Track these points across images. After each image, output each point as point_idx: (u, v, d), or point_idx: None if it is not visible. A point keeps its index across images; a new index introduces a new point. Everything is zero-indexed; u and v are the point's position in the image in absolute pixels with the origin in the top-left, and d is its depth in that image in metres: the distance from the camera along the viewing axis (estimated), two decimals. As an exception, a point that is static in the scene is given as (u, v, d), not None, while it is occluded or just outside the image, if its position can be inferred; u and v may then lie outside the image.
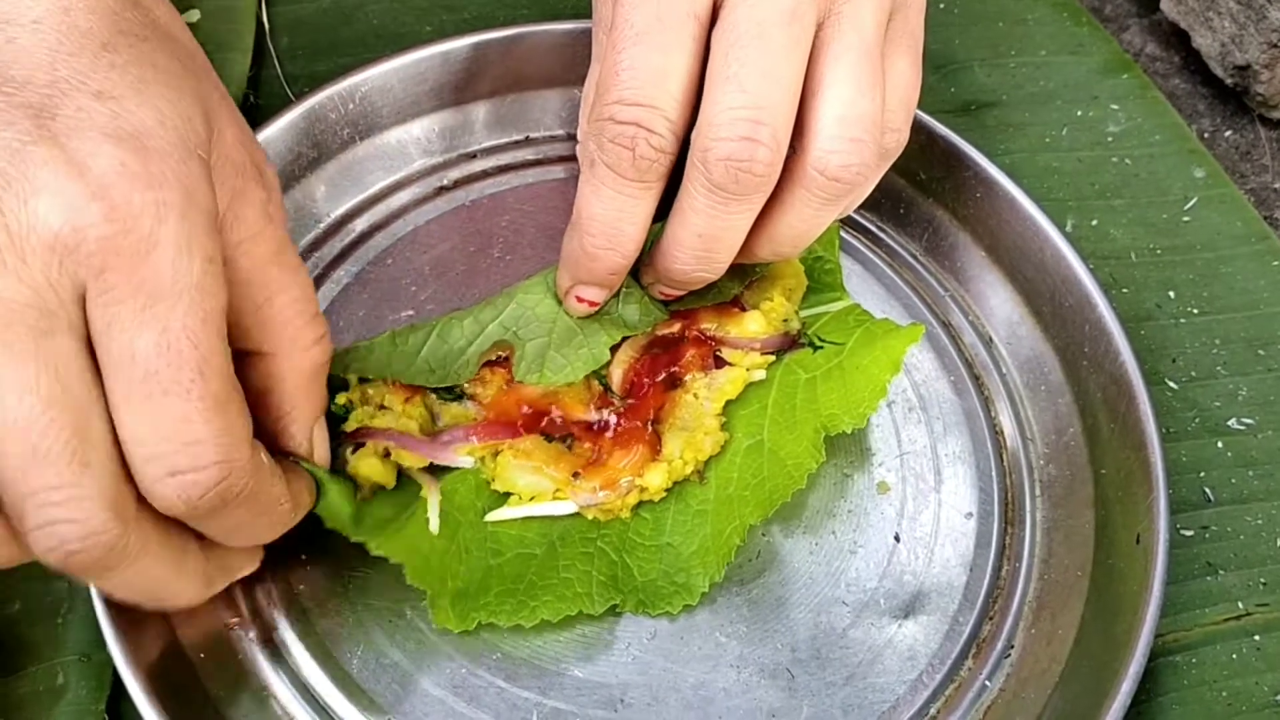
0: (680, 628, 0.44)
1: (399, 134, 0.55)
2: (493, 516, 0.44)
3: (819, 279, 0.51)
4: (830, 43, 0.38)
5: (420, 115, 0.56)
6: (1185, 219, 0.60)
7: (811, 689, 0.43)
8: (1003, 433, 0.50)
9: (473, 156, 0.57)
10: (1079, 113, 0.64)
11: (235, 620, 0.43)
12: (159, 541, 0.33)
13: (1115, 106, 0.64)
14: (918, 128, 0.53)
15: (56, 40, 0.30)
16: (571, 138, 0.58)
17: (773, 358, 0.48)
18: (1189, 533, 0.50)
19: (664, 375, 0.46)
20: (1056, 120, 0.63)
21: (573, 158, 0.57)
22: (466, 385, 0.45)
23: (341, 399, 0.44)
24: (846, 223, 0.56)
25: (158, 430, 0.30)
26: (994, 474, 0.49)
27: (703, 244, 0.40)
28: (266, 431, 0.38)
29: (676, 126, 0.38)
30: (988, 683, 0.44)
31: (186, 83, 0.33)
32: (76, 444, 0.30)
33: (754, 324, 0.47)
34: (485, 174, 0.56)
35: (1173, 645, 0.47)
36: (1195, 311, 0.57)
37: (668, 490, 0.45)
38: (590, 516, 0.44)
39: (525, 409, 0.44)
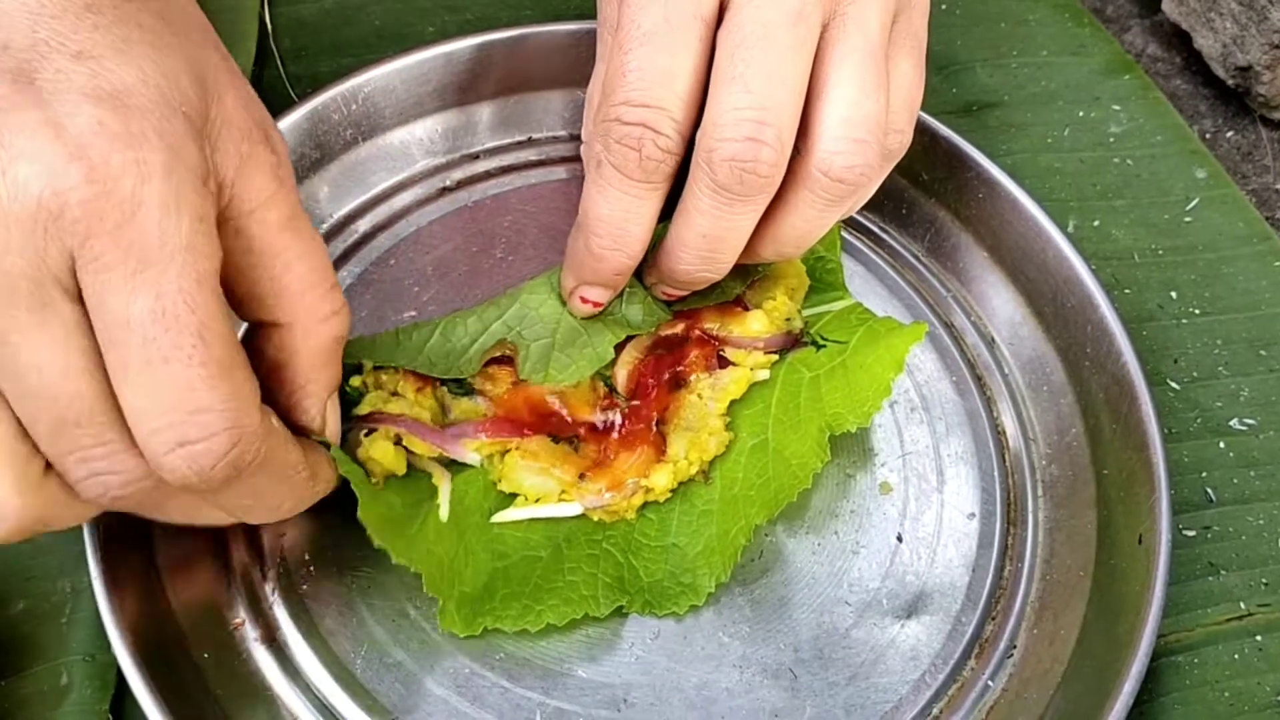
0: (683, 628, 0.44)
1: (402, 135, 0.55)
2: (499, 517, 0.44)
3: (821, 278, 0.51)
4: (835, 44, 0.38)
5: (423, 116, 0.56)
6: (1187, 220, 0.60)
7: (814, 689, 0.43)
8: (1005, 433, 0.50)
9: (476, 157, 0.57)
10: (1081, 113, 0.64)
11: (239, 620, 0.43)
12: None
13: (1117, 107, 0.64)
14: (920, 128, 0.52)
15: (38, 3, 0.30)
16: (575, 138, 0.58)
17: (776, 357, 0.48)
18: (1191, 533, 0.50)
19: (668, 376, 0.46)
20: (1058, 121, 0.63)
21: (576, 158, 0.57)
22: (476, 381, 0.45)
23: (356, 381, 0.44)
24: (848, 223, 0.56)
25: (161, 400, 0.29)
26: (996, 474, 0.49)
27: (707, 244, 0.40)
28: (279, 406, 0.37)
29: (682, 127, 0.38)
30: (990, 683, 0.44)
31: (174, 43, 0.32)
32: (104, 405, 0.30)
33: (757, 323, 0.47)
34: (488, 175, 0.56)
35: (1175, 645, 0.47)
36: (1197, 312, 0.57)
37: (673, 491, 0.45)
38: (596, 518, 0.44)
39: (532, 409, 0.45)
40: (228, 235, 0.33)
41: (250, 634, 0.43)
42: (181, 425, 0.30)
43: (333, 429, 0.39)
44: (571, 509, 0.44)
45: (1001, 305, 0.54)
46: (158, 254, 0.29)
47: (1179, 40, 0.71)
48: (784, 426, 0.46)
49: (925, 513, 0.48)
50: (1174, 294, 0.57)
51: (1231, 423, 0.53)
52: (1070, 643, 0.44)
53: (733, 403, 0.46)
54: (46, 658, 0.43)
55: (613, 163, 0.38)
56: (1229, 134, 0.68)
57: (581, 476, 0.44)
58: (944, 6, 0.68)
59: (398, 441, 0.43)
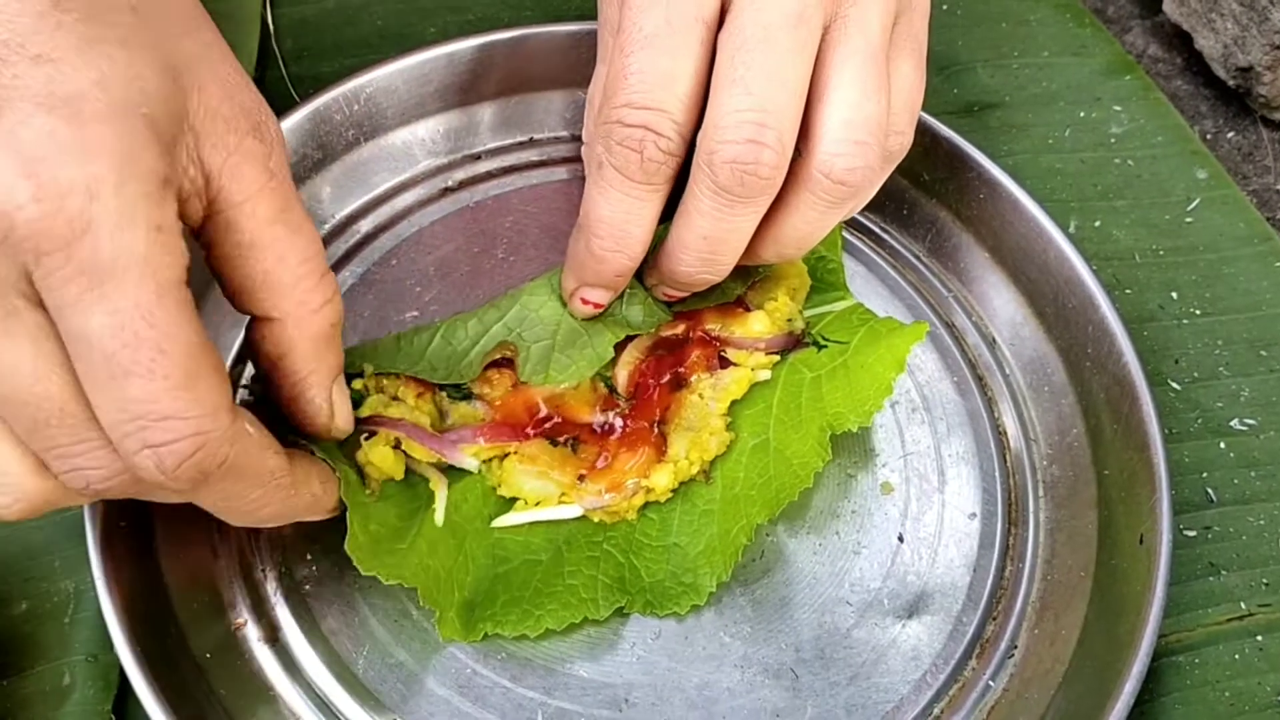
0: (685, 628, 0.44)
1: (404, 135, 0.56)
2: (500, 522, 0.44)
3: (822, 278, 0.51)
4: (836, 46, 0.38)
5: (425, 116, 0.56)
6: (1188, 220, 0.60)
7: (815, 689, 0.43)
8: (1006, 433, 0.51)
9: (477, 158, 0.57)
10: (1082, 114, 0.64)
11: (241, 620, 0.43)
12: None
13: (1118, 108, 0.64)
14: (921, 129, 0.53)
15: (3, 3, 0.29)
16: (576, 139, 0.58)
17: (777, 357, 0.48)
18: (1192, 533, 0.50)
19: (669, 376, 0.46)
20: (1059, 121, 0.63)
21: (577, 159, 0.57)
22: (474, 386, 0.45)
23: (357, 384, 0.44)
24: (850, 224, 0.56)
25: (126, 410, 0.30)
26: (997, 475, 0.49)
27: (707, 246, 0.40)
28: (285, 398, 0.38)
29: (684, 129, 0.38)
30: (991, 683, 0.44)
31: (145, 38, 0.31)
32: (76, 406, 0.30)
33: (758, 324, 0.48)
34: (490, 175, 0.56)
35: (1175, 645, 0.47)
36: (1198, 312, 0.57)
37: (674, 491, 0.45)
38: (596, 519, 0.44)
39: (531, 412, 0.45)
40: (218, 228, 0.33)
41: (252, 634, 0.43)
42: (146, 431, 0.30)
43: (342, 416, 0.39)
44: (572, 511, 0.44)
45: (1003, 305, 0.54)
46: (111, 269, 0.28)
47: (1180, 41, 0.71)
48: (785, 426, 0.46)
49: (926, 513, 0.48)
50: (1175, 294, 0.57)
51: (1232, 423, 0.53)
52: (1071, 643, 0.44)
53: (734, 403, 0.46)
54: (49, 658, 0.43)
55: (614, 164, 0.38)
56: (1230, 134, 0.68)
57: (581, 478, 0.44)
58: (945, 7, 0.68)
59: (396, 446, 0.43)
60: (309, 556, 0.44)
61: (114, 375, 0.29)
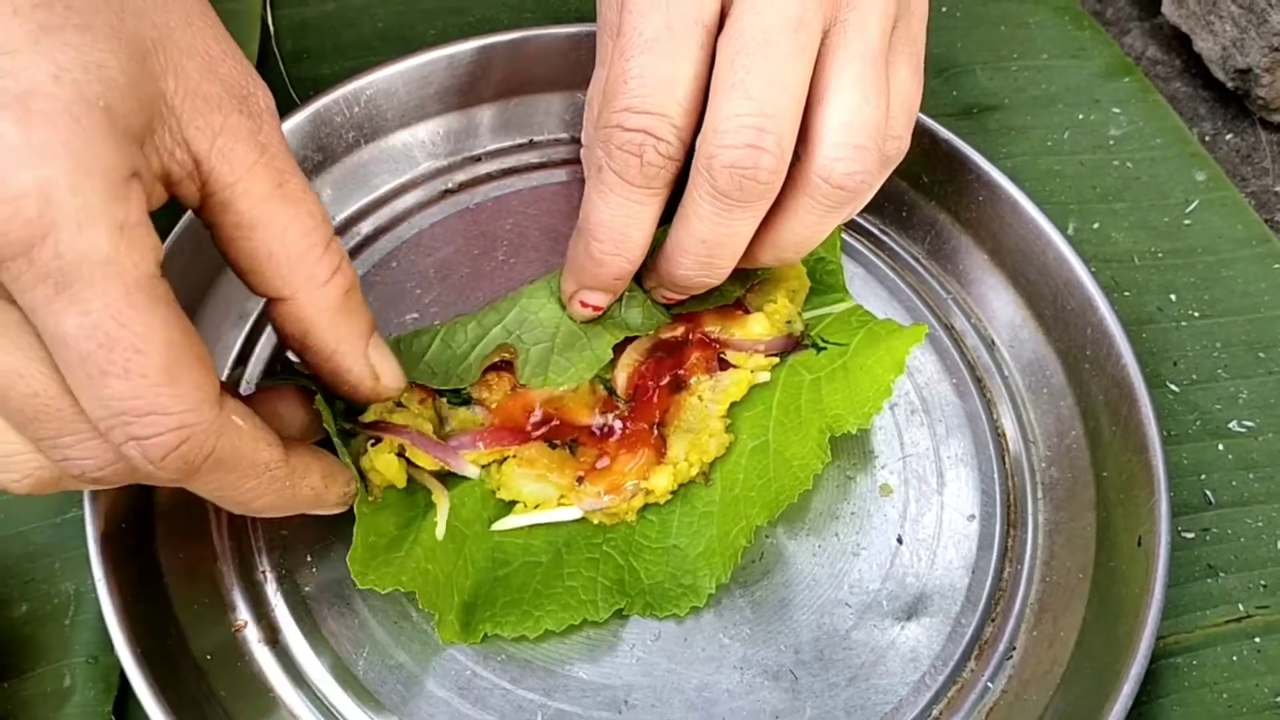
0: (684, 630, 0.44)
1: (404, 137, 0.56)
2: (499, 525, 0.44)
3: (821, 280, 0.51)
4: (836, 50, 0.38)
5: (425, 118, 0.56)
6: (1186, 222, 0.60)
7: (814, 690, 0.43)
8: (1005, 435, 0.51)
9: (477, 159, 0.57)
10: (1080, 116, 0.64)
11: (241, 622, 0.43)
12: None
13: (1117, 110, 0.64)
14: (920, 131, 0.53)
15: None
16: (575, 141, 0.58)
17: (777, 359, 0.48)
18: (1190, 535, 0.50)
19: (668, 378, 0.46)
20: (1058, 124, 0.63)
21: (576, 161, 0.57)
22: (473, 390, 0.45)
23: None
24: (849, 226, 0.56)
25: (107, 407, 0.29)
26: (996, 476, 0.49)
27: (706, 250, 0.40)
28: (326, 373, 0.37)
29: (683, 133, 0.38)
30: (990, 684, 0.44)
31: (109, 21, 0.30)
32: (65, 400, 0.30)
33: (758, 326, 0.48)
34: (490, 177, 0.56)
35: (1174, 647, 0.47)
36: (1196, 314, 0.57)
37: (673, 493, 0.45)
38: (596, 521, 0.44)
39: (530, 414, 0.45)
40: (214, 209, 0.33)
41: (252, 635, 0.43)
42: (130, 426, 0.30)
43: (388, 374, 0.39)
44: (571, 513, 0.44)
45: (1001, 308, 0.54)
46: (77, 272, 0.28)
47: (1179, 43, 0.71)
48: (784, 428, 0.46)
49: (925, 515, 0.48)
50: (1173, 296, 0.57)
51: (1230, 425, 0.53)
52: (1069, 644, 0.44)
53: (733, 405, 0.47)
54: (49, 660, 0.43)
55: (614, 168, 0.39)
56: (1228, 136, 0.68)
57: (580, 480, 0.44)
58: (944, 9, 0.68)
59: (400, 453, 0.43)
60: (309, 558, 0.44)
61: (91, 375, 0.29)
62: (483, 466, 0.44)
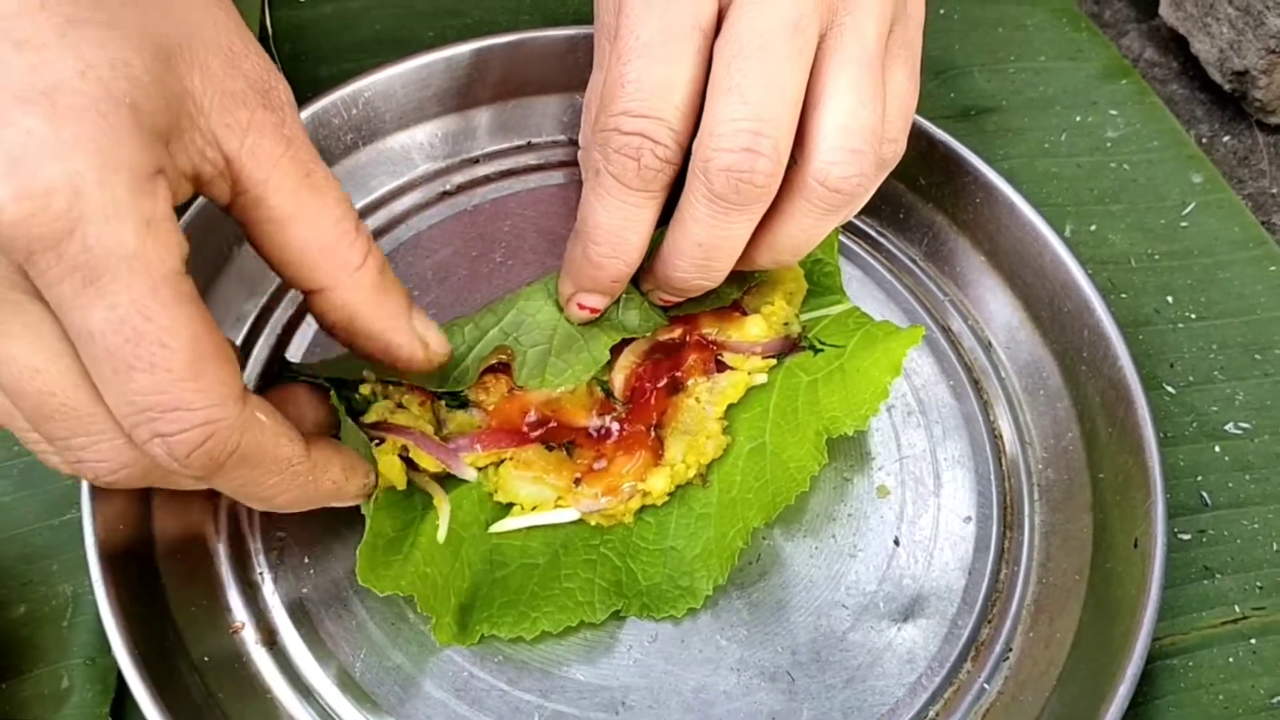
0: (681, 631, 0.44)
1: (402, 139, 0.56)
2: (497, 528, 0.44)
3: (819, 282, 0.51)
4: (833, 54, 0.38)
5: (423, 120, 0.56)
6: (1183, 224, 0.60)
7: (811, 692, 0.43)
8: (1001, 437, 0.51)
9: (475, 161, 0.57)
10: (1078, 118, 0.64)
11: (239, 624, 0.43)
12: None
13: (1114, 112, 0.64)
14: (917, 133, 0.53)
15: None
16: (573, 143, 0.58)
17: (774, 361, 0.48)
18: (1186, 536, 0.50)
19: (666, 380, 0.46)
20: (1055, 125, 0.63)
21: (574, 163, 0.57)
22: (470, 393, 0.45)
23: (365, 390, 0.44)
24: (846, 227, 0.56)
25: (132, 402, 0.30)
26: (993, 478, 0.49)
27: (702, 253, 0.40)
28: (377, 353, 0.38)
29: (680, 137, 0.38)
30: (986, 685, 0.44)
31: (134, 17, 0.30)
32: (78, 400, 0.30)
33: (755, 328, 0.48)
34: (488, 179, 0.56)
35: (1170, 648, 0.47)
36: (1193, 316, 0.57)
37: (670, 494, 0.45)
38: (593, 523, 0.44)
39: (528, 416, 0.45)
40: (247, 206, 0.33)
41: (250, 637, 0.43)
42: (155, 422, 0.30)
43: (436, 341, 0.39)
44: (568, 515, 0.44)
45: (998, 309, 0.54)
46: (104, 266, 0.28)
47: (1176, 45, 0.71)
48: (781, 430, 0.46)
49: (922, 516, 0.48)
50: (1170, 298, 0.57)
51: (1227, 427, 0.53)
52: (1066, 646, 0.44)
53: (730, 406, 0.47)
54: (47, 661, 0.43)
55: (611, 172, 0.39)
56: (1225, 138, 0.68)
57: (577, 482, 0.44)
58: (942, 11, 0.68)
59: (401, 455, 0.43)
60: (306, 560, 0.44)
61: (117, 370, 0.29)
62: (479, 469, 0.45)
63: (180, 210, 0.35)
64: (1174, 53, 0.71)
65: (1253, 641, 0.47)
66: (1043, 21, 0.68)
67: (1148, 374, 0.54)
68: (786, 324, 0.49)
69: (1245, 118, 0.68)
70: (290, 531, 0.45)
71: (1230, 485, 0.52)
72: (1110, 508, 0.47)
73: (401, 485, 0.43)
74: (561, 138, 0.58)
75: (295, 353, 0.49)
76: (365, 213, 0.54)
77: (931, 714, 0.44)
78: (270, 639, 0.43)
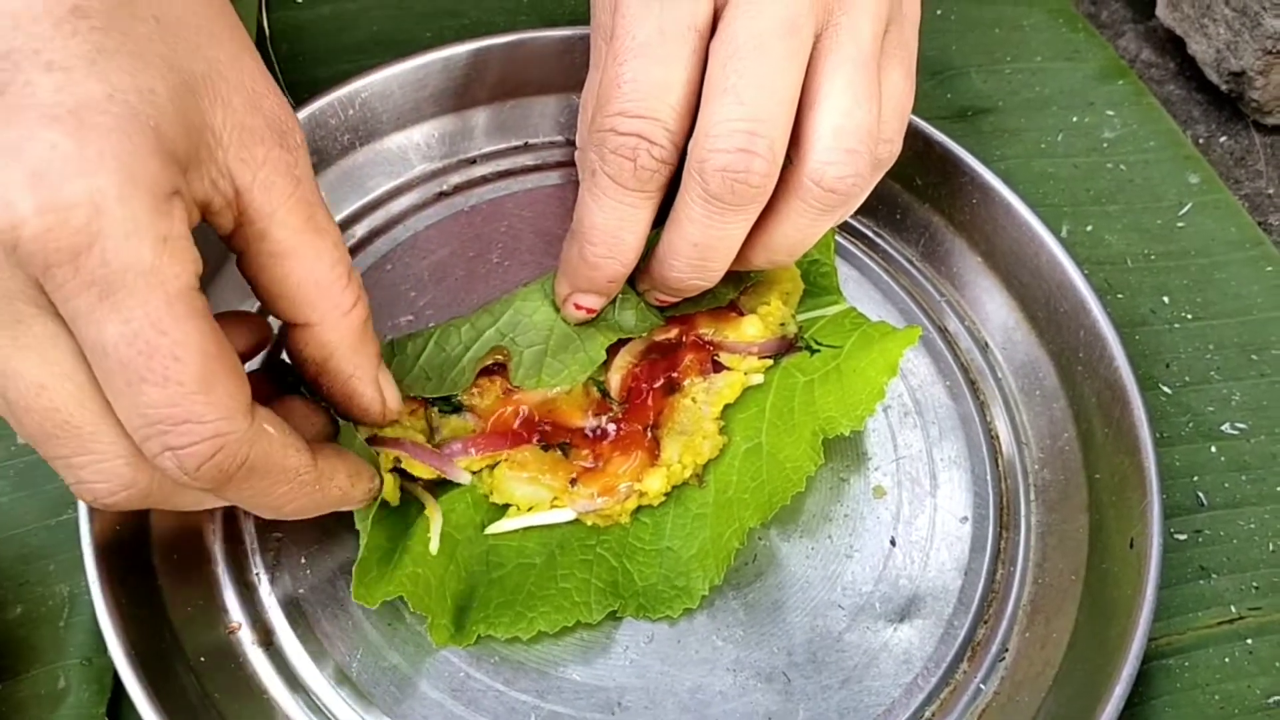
0: (677, 631, 0.44)
1: (399, 140, 0.56)
2: (493, 529, 0.44)
3: (815, 282, 0.51)
4: (828, 54, 0.38)
5: (420, 121, 0.56)
6: (1180, 225, 0.60)
7: (807, 692, 0.43)
8: (998, 437, 0.51)
9: (472, 162, 0.57)
10: (1074, 119, 0.64)
11: (235, 624, 0.43)
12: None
13: (1110, 112, 0.64)
14: (914, 133, 0.53)
15: (25, 3, 0.29)
16: (570, 144, 0.58)
17: (770, 361, 0.48)
18: (1182, 537, 0.50)
19: (662, 380, 0.46)
20: (1052, 126, 0.64)
21: (571, 164, 0.57)
22: (464, 397, 0.45)
23: None
24: (843, 228, 0.56)
25: (144, 415, 0.30)
26: (989, 479, 0.49)
27: (698, 253, 0.40)
28: (335, 398, 0.38)
29: (676, 137, 0.38)
30: (982, 686, 0.44)
31: (163, 51, 0.31)
32: (82, 418, 0.30)
33: (751, 328, 0.48)
34: (485, 179, 0.56)
35: (1166, 649, 0.47)
36: (1189, 317, 0.57)
37: (667, 494, 0.45)
38: (590, 523, 0.45)
39: (523, 418, 0.45)
40: (250, 238, 0.34)
41: (246, 637, 0.43)
42: (166, 435, 0.30)
43: (392, 400, 0.40)
44: (564, 515, 0.44)
45: (995, 310, 0.54)
46: (120, 282, 0.29)
47: (1173, 46, 0.71)
48: (778, 430, 0.46)
49: (918, 517, 0.48)
50: (1166, 299, 0.58)
51: (1223, 427, 0.53)
52: (1062, 646, 0.44)
53: (726, 407, 0.47)
54: (44, 661, 0.43)
55: (608, 172, 0.39)
56: (1222, 139, 0.68)
57: (573, 482, 0.44)
58: (939, 12, 0.68)
59: (393, 469, 0.43)
60: (303, 561, 0.44)
61: (130, 382, 0.29)
62: (474, 472, 0.45)
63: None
64: (1171, 53, 0.71)
65: (1249, 641, 0.47)
66: (1039, 22, 0.68)
67: (1144, 374, 0.54)
68: (783, 324, 0.49)
69: (1242, 118, 0.69)
70: (287, 532, 0.45)
71: (1226, 485, 0.52)
72: (1106, 508, 0.47)
73: (395, 501, 0.43)
74: (559, 138, 0.58)
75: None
76: (362, 213, 0.55)
77: (927, 714, 0.44)
78: (267, 639, 0.43)
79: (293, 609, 0.44)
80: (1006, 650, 0.45)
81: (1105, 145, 0.63)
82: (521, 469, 0.44)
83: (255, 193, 0.33)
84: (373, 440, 0.42)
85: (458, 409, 0.45)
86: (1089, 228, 0.60)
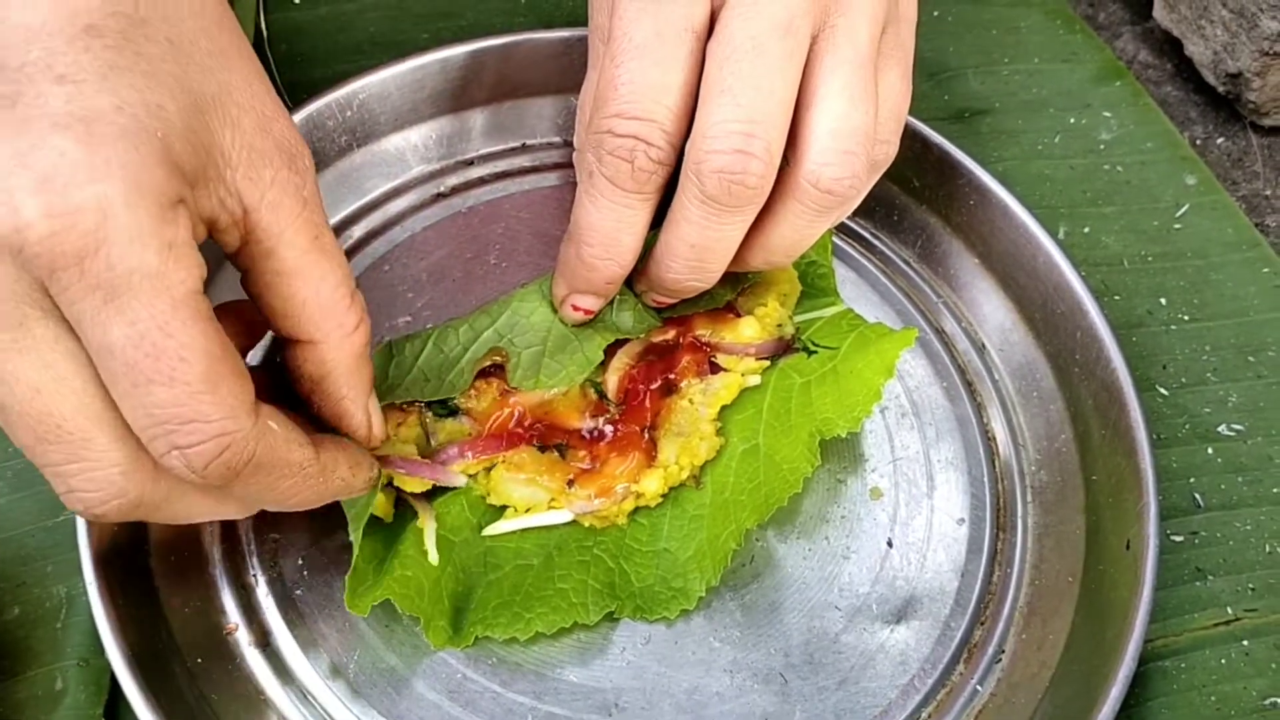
0: (674, 633, 0.44)
1: (397, 141, 0.56)
2: (490, 530, 0.44)
3: (812, 284, 0.51)
4: (825, 55, 0.38)
5: (418, 122, 0.56)
6: (1177, 226, 0.60)
7: (804, 693, 0.43)
8: (995, 439, 0.51)
9: (470, 163, 0.57)
10: (1072, 120, 0.64)
11: (232, 625, 0.43)
12: (187, 487, 0.34)
13: (1108, 114, 0.64)
14: (911, 135, 0.53)
15: (42, 20, 0.30)
16: (567, 145, 0.58)
17: (767, 363, 0.48)
18: (1179, 538, 0.50)
19: (659, 382, 0.46)
20: (1049, 127, 0.64)
21: (568, 164, 0.57)
22: (461, 400, 0.45)
23: None
24: (840, 229, 0.56)
25: (151, 415, 0.30)
26: (986, 480, 0.49)
27: (695, 254, 0.40)
28: (325, 416, 0.39)
29: (674, 138, 0.38)
30: (979, 687, 0.45)
31: (175, 72, 0.32)
32: (76, 424, 0.31)
33: (749, 330, 0.48)
34: (482, 181, 0.56)
35: (1162, 650, 0.47)
36: (1186, 318, 0.57)
37: (664, 496, 0.45)
38: (587, 524, 0.45)
39: (520, 420, 0.45)
40: (256, 256, 0.34)
41: (243, 638, 0.43)
42: (173, 434, 0.31)
43: (378, 428, 0.40)
44: (562, 516, 0.44)
45: (992, 311, 0.54)
46: (125, 285, 0.29)
47: (1170, 47, 0.71)
48: (775, 431, 0.46)
49: (915, 518, 0.48)
50: (1163, 300, 0.58)
51: (1219, 428, 0.53)
52: (1058, 647, 0.45)
53: (724, 408, 0.47)
54: (41, 663, 0.43)
55: (605, 174, 0.39)
56: (1219, 140, 0.68)
57: (570, 483, 0.44)
58: (936, 13, 0.68)
59: (386, 485, 0.43)
60: (300, 561, 0.45)
61: (137, 383, 0.30)
62: (470, 475, 0.45)
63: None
64: (1168, 55, 0.71)
65: (1245, 643, 0.47)
66: (1037, 24, 0.68)
67: (1140, 376, 0.54)
68: (780, 325, 0.49)
69: (1239, 120, 0.69)
70: (284, 533, 0.45)
71: (1223, 487, 0.52)
72: (1103, 509, 0.47)
73: (389, 519, 0.43)
74: (556, 139, 0.58)
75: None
76: (360, 215, 0.55)
77: (924, 716, 0.44)
78: (264, 640, 0.43)
79: (290, 610, 0.44)
80: (1003, 652, 0.45)
81: (1102, 146, 0.63)
82: (519, 470, 0.44)
83: (263, 212, 0.34)
84: None
85: (454, 412, 0.45)
86: (1086, 229, 0.60)
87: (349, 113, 0.54)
